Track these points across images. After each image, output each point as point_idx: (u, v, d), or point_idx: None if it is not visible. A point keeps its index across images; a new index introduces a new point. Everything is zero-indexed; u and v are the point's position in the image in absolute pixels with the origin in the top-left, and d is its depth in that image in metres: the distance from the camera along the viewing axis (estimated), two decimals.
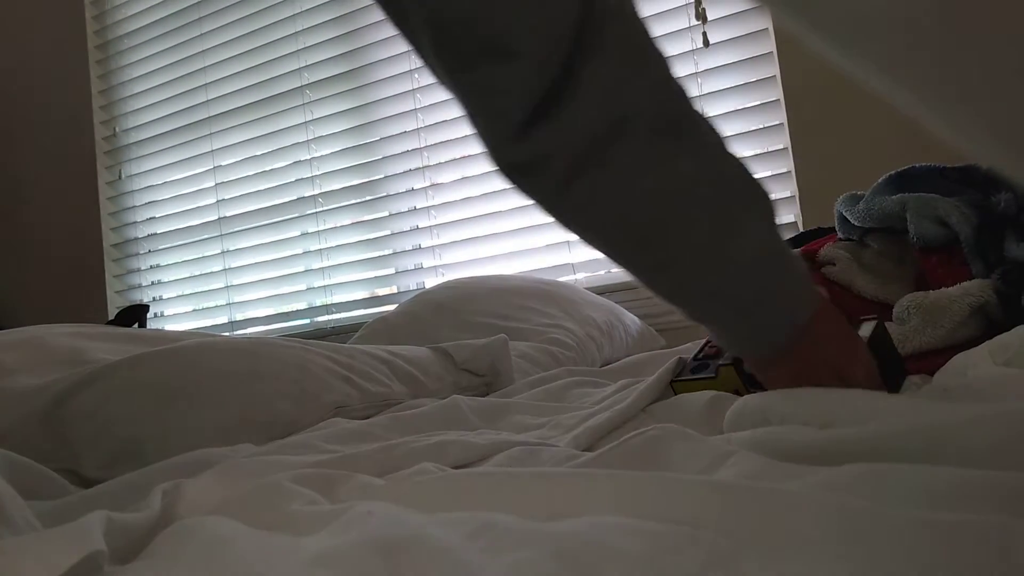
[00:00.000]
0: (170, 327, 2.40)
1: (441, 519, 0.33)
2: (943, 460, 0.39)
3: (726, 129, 1.68)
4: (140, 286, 2.44)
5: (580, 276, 1.79)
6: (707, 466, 0.45)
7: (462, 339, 1.14)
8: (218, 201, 2.29)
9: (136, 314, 2.11)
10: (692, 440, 0.49)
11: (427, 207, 2.00)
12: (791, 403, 0.55)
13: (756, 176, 0.61)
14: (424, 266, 2.02)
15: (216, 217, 2.29)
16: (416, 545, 0.30)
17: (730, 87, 1.68)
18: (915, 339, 0.77)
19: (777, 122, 1.64)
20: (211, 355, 0.91)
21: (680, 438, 0.49)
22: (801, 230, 1.47)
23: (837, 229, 1.00)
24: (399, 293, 2.07)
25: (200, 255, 2.33)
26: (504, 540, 0.31)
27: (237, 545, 0.33)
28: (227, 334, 2.24)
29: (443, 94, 1.93)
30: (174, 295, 2.41)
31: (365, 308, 2.10)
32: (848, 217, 0.95)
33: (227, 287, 2.29)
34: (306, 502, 0.42)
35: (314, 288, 2.17)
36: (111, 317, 2.36)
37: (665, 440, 0.49)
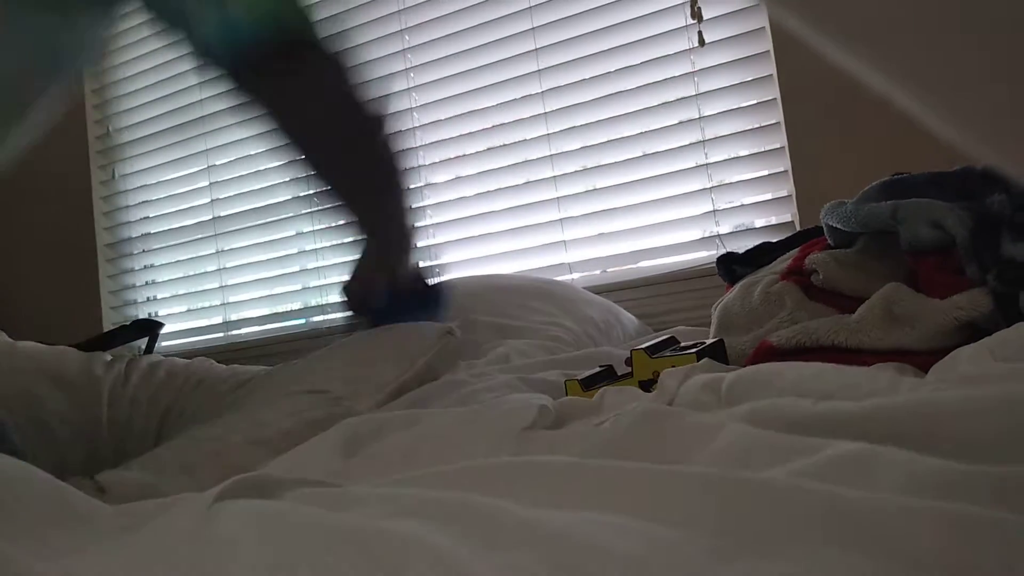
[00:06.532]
0: (165, 328, 2.38)
1: (431, 516, 0.33)
2: (940, 443, 0.38)
3: (722, 128, 1.68)
4: (134, 286, 2.43)
5: (576, 276, 1.79)
6: (698, 441, 0.45)
7: (462, 337, 1.15)
8: (212, 200, 2.28)
9: (147, 329, 1.78)
10: (680, 417, 0.49)
11: (422, 206, 1.99)
12: (789, 376, 0.55)
13: None
14: (420, 266, 2.01)
15: (210, 216, 2.28)
16: (405, 543, 0.30)
17: (727, 86, 1.67)
18: (892, 335, 0.77)
19: (774, 121, 1.64)
20: None
21: (667, 416, 0.49)
22: (798, 229, 1.47)
23: (828, 239, 0.99)
24: None
25: (194, 255, 2.32)
26: (495, 538, 0.30)
27: (228, 538, 0.33)
28: (222, 334, 2.24)
29: (439, 92, 1.95)
30: (168, 295, 2.40)
31: None
32: (831, 222, 0.94)
33: (222, 287, 2.28)
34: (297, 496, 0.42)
35: (309, 288, 2.16)
36: (103, 316, 2.35)
37: (653, 419, 0.49)
